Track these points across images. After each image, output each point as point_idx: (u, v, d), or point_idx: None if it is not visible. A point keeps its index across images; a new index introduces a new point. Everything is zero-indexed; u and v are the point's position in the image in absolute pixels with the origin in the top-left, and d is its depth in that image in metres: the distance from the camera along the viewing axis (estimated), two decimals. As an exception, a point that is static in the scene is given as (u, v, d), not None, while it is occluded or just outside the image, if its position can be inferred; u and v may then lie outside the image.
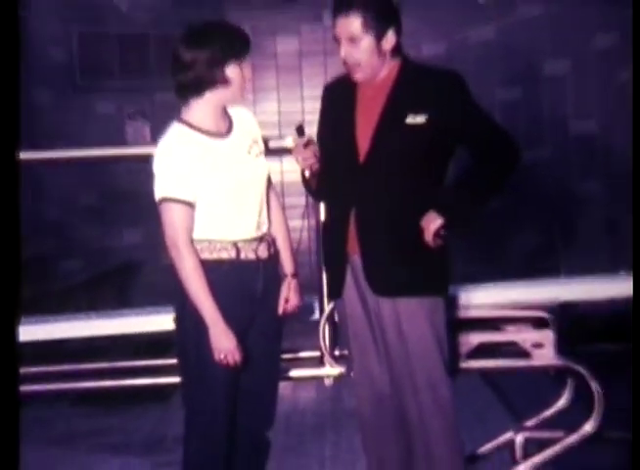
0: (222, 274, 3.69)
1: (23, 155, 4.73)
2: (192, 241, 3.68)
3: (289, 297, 3.86)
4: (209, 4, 9.06)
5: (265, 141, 3.93)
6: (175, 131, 3.74)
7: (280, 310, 3.85)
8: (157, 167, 3.71)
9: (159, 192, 3.70)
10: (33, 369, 4.59)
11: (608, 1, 8.75)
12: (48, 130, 8.66)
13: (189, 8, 8.76)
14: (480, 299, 4.46)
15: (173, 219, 3.67)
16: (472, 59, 8.75)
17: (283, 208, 3.98)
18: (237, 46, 3.73)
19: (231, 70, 3.71)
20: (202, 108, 3.75)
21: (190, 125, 3.74)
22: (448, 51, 8.86)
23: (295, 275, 3.89)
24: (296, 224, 4.10)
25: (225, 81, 3.71)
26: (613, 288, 4.66)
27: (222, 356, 3.65)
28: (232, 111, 3.84)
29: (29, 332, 4.64)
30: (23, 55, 8.98)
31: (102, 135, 8.77)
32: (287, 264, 3.89)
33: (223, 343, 3.65)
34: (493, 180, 3.92)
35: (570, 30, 8.75)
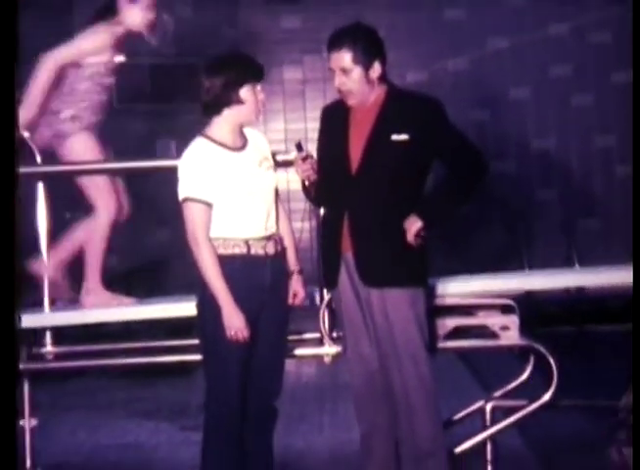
0: (235, 267, 3.68)
1: (73, 166, 4.75)
2: (209, 235, 3.68)
3: (296, 291, 3.85)
4: (226, 40, 9.03)
5: (273, 155, 3.93)
6: (198, 143, 3.75)
7: (290, 302, 3.84)
8: (181, 173, 3.72)
9: (182, 193, 3.71)
10: (80, 348, 4.59)
11: (562, 37, 8.74)
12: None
13: (209, 42, 8.74)
14: (456, 289, 4.43)
15: (194, 216, 3.67)
16: (448, 85, 8.72)
17: (288, 212, 3.97)
18: (249, 72, 3.74)
19: (245, 92, 3.71)
20: (221, 125, 3.75)
21: (211, 139, 3.74)
22: (429, 79, 8.84)
23: (300, 272, 3.88)
24: (298, 226, 4.09)
25: (240, 101, 3.71)
26: (568, 279, 4.65)
27: (233, 333, 3.64)
28: (247, 131, 3.84)
29: (76, 317, 4.63)
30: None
31: (135, 151, 8.74)
32: (292, 263, 3.87)
33: (234, 321, 3.63)
34: (465, 189, 3.91)
35: (530, 62, 8.74)
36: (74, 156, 4.66)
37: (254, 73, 3.74)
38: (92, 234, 4.66)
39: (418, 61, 8.86)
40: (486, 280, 4.62)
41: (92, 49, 4.63)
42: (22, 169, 4.35)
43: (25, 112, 4.49)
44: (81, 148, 4.67)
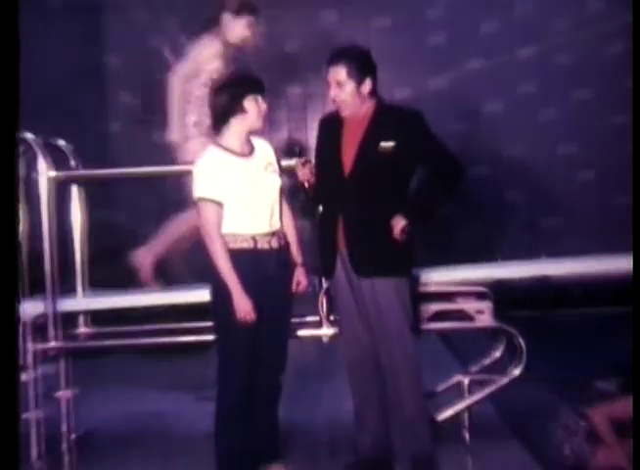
0: (243, 260, 3.67)
1: (103, 171, 4.75)
2: (220, 231, 3.66)
3: (300, 281, 3.85)
4: (238, 61, 9.01)
5: (278, 161, 3.92)
6: (210, 151, 3.75)
7: (294, 290, 3.83)
8: (196, 176, 3.72)
9: (196, 193, 3.71)
10: (110, 329, 4.61)
11: (529, 59, 8.75)
12: (118, 153, 8.62)
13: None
14: (437, 278, 4.44)
15: (207, 214, 3.67)
16: (431, 101, 8.70)
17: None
18: (250, 85, 3.74)
19: (248, 103, 3.71)
20: (230, 134, 3.75)
21: (221, 147, 3.74)
22: (414, 95, 8.83)
23: (303, 264, 3.87)
24: (299, 223, 4.09)
25: (244, 111, 3.71)
26: (534, 269, 4.66)
27: (242, 316, 3.64)
28: (254, 140, 3.83)
29: (106, 302, 4.63)
30: (103, 97, 8.92)
31: (156, 157, 8.74)
32: (296, 256, 3.87)
33: (243, 306, 3.63)
34: (445, 190, 3.92)
35: (502, 81, 8.74)
36: (192, 158, 4.64)
37: (254, 86, 3.74)
38: (176, 221, 4.68)
39: (404, 79, 8.84)
40: (464, 270, 4.62)
41: (206, 58, 4.66)
42: (59, 173, 4.37)
43: (174, 131, 4.55)
44: (199, 151, 4.66)
